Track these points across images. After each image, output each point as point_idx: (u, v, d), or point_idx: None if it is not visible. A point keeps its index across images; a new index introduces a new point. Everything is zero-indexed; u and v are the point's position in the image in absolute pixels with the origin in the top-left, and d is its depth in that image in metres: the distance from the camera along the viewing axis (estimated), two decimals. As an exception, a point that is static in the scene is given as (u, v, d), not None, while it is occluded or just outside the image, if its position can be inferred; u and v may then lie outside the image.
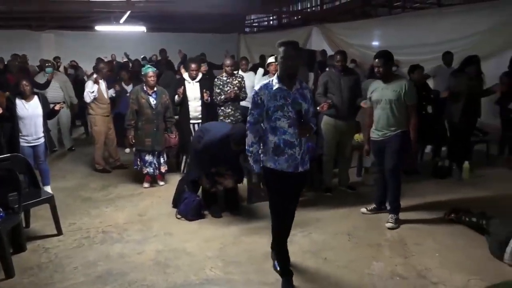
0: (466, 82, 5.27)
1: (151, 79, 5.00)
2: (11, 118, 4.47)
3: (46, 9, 11.16)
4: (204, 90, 5.38)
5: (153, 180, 5.33)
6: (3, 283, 3.10)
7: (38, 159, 4.73)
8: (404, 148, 3.96)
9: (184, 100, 5.39)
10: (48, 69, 6.57)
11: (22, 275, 3.20)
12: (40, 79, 6.56)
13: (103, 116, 5.87)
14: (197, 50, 10.30)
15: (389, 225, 4.00)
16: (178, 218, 4.27)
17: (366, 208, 4.36)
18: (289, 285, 2.96)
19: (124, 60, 10.74)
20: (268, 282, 3.08)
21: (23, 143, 4.58)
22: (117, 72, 7.77)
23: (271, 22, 15.85)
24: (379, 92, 3.99)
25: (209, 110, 5.46)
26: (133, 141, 5.11)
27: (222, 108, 5.37)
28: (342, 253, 3.52)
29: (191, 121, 5.45)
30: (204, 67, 6.04)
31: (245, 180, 4.63)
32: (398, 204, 4.08)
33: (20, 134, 4.55)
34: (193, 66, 5.40)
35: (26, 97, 4.55)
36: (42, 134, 4.69)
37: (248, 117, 2.91)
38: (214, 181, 4.28)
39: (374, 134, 4.09)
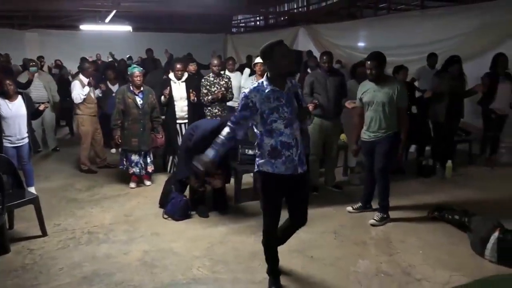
0: (449, 83, 5.38)
1: (137, 79, 4.97)
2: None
3: (29, 7, 10.98)
4: (191, 91, 5.38)
5: (140, 181, 5.30)
6: (-14, 285, 3.06)
7: (22, 160, 4.66)
8: (394, 149, 4.02)
9: (171, 100, 5.38)
10: (32, 69, 6.48)
11: (6, 276, 3.16)
12: (24, 78, 6.46)
13: (91, 116, 5.83)
14: (184, 50, 10.28)
15: (372, 221, 4.08)
16: (165, 218, 4.26)
17: (352, 207, 4.42)
18: (276, 284, 2.98)
19: (110, 59, 10.65)
20: (256, 280, 3.10)
21: (6, 143, 4.50)
22: (102, 71, 7.70)
23: (257, 23, 15.87)
24: (371, 94, 3.99)
25: (196, 110, 5.46)
26: (120, 141, 5.08)
27: (209, 108, 5.37)
28: (329, 251, 3.56)
29: (178, 121, 5.44)
30: (193, 67, 6.04)
31: (232, 180, 4.65)
32: (386, 203, 4.14)
33: (3, 135, 4.48)
34: (178, 66, 5.39)
35: (9, 96, 4.48)
36: (26, 135, 4.62)
37: (231, 116, 2.84)
38: (203, 181, 4.28)
39: (365, 135, 4.12)
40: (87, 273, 3.21)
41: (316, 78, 4.76)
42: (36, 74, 6.55)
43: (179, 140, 5.42)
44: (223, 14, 13.77)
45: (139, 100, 5.02)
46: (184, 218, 4.23)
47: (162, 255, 3.50)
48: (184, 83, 5.43)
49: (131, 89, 5.02)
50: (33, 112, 4.72)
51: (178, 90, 5.39)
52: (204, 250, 3.58)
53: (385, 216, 4.14)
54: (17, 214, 4.04)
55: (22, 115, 4.54)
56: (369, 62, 3.92)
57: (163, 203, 4.47)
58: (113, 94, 6.10)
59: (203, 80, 5.45)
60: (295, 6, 13.24)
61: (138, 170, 5.14)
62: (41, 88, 6.61)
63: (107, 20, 10.90)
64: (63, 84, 8.02)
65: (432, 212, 4.21)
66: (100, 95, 6.10)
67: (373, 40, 8.85)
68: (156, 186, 5.13)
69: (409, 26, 7.78)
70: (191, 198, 4.41)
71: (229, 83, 5.50)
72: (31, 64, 6.64)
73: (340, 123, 5.09)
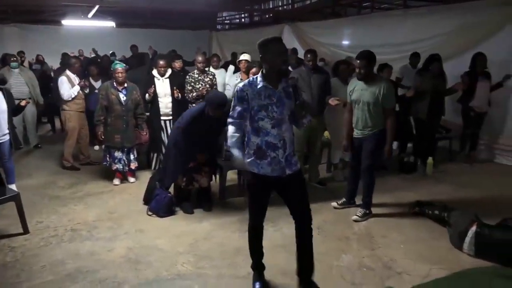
0: (431, 81, 5.50)
1: (119, 75, 4.93)
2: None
3: (9, 1, 10.74)
4: (174, 88, 5.36)
5: (124, 178, 5.27)
6: (-34, 284, 3.01)
7: (3, 157, 4.57)
8: (380, 146, 4.06)
9: (155, 97, 5.35)
10: (13, 64, 6.36)
11: (-14, 275, 3.11)
12: (5, 74, 6.33)
13: (78, 112, 5.79)
14: (168, 46, 10.21)
15: (354, 217, 4.15)
16: (149, 215, 4.25)
17: (337, 203, 4.48)
18: (260, 279, 3.01)
19: (92, 55, 10.51)
20: (240, 275, 3.13)
21: (-14, 140, 4.42)
22: (85, 67, 7.60)
23: (243, 20, 15.87)
24: (358, 93, 4.03)
25: (181, 106, 5.43)
26: (103, 137, 5.04)
27: (194, 105, 5.35)
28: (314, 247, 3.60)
29: (162, 118, 5.42)
30: (179, 64, 6.01)
31: (217, 177, 4.67)
32: (369, 199, 4.21)
33: (-17, 131, 4.40)
34: (161, 63, 5.36)
35: (-12, 92, 4.39)
36: (7, 131, 4.53)
37: (230, 113, 2.72)
38: (190, 179, 4.28)
39: (353, 132, 4.18)
40: (70, 270, 3.19)
41: (300, 76, 4.80)
42: (16, 70, 6.43)
43: (164, 136, 5.41)
44: (208, 11, 13.71)
45: (122, 97, 4.98)
46: (169, 215, 4.23)
47: (146, 251, 3.50)
48: (168, 80, 5.40)
49: (115, 85, 4.98)
50: (14, 108, 4.64)
51: (162, 86, 5.37)
52: (188, 246, 3.59)
53: (368, 212, 4.21)
54: (-3, 212, 3.99)
55: (3, 110, 4.45)
56: (358, 61, 3.91)
57: (147, 200, 4.45)
58: (96, 91, 6.05)
59: (187, 76, 5.44)
60: (280, 4, 13.29)
61: (121, 167, 5.11)
62: (23, 84, 6.49)
63: (90, 15, 10.73)
64: (45, 80, 7.89)
65: (413, 208, 4.30)
66: (87, 91, 6.05)
67: (357, 38, 8.95)
68: (140, 183, 5.11)
69: (392, 25, 7.88)
70: (176, 195, 4.41)
71: (214, 80, 5.51)
72: (12, 59, 6.52)
73: (324, 121, 5.15)
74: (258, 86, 2.64)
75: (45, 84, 7.72)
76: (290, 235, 3.73)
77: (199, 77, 5.36)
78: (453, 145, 6.44)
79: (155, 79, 5.36)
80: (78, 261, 3.33)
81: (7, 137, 4.54)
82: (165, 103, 5.40)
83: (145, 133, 5.24)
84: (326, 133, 5.45)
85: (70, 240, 3.72)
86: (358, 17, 9.21)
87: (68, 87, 5.64)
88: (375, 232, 3.92)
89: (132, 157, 5.21)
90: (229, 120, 2.72)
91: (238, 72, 5.68)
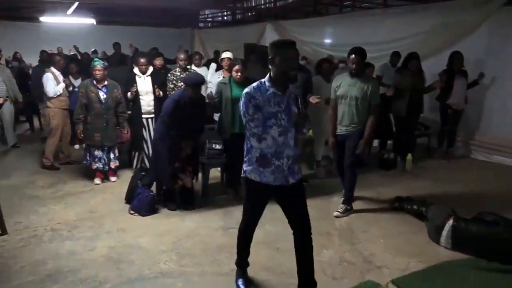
0: (410, 79, 5.61)
1: (97, 73, 4.87)
2: None
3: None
4: (155, 86, 5.33)
5: (105, 177, 5.21)
6: None
7: (-21, 156, 4.49)
8: (359, 144, 4.10)
9: (136, 95, 5.30)
10: (-11, 61, 6.21)
11: (-37, 276, 3.05)
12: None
13: (62, 109, 5.71)
14: (150, 44, 10.08)
15: (336, 213, 4.21)
16: (131, 214, 4.22)
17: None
18: (244, 275, 3.02)
19: (71, 53, 10.33)
20: (223, 272, 3.15)
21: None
22: (65, 65, 7.46)
23: (225, 18, 15.82)
24: (345, 88, 4.07)
25: (162, 104, 5.40)
26: (82, 136, 4.98)
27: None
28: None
29: (144, 116, 5.37)
30: (160, 61, 5.97)
31: (200, 175, 4.67)
32: (351, 194, 4.28)
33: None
34: (142, 60, 5.31)
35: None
36: (-17, 130, 4.45)
37: (249, 125, 2.50)
38: (175, 179, 4.27)
39: (337, 129, 4.22)
40: (50, 270, 3.15)
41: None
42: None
43: (146, 135, 5.37)
44: (191, 9, 13.63)
45: (102, 95, 4.92)
46: (151, 213, 4.21)
47: (128, 250, 3.48)
48: (149, 77, 5.36)
49: (94, 83, 4.92)
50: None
51: (144, 84, 5.32)
52: (171, 245, 3.58)
53: (349, 208, 4.28)
54: (-26, 213, 3.89)
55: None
56: (353, 56, 3.95)
57: (129, 198, 4.42)
58: (75, 89, 5.97)
59: (169, 74, 5.41)
60: (262, 2, 13.29)
61: (101, 166, 5.06)
62: (0, 82, 6.35)
63: (69, 12, 10.53)
64: (23, 78, 7.73)
65: (392, 203, 4.40)
66: (70, 89, 5.96)
67: (338, 37, 9.05)
68: (121, 182, 5.06)
69: (372, 24, 7.99)
70: (158, 193, 4.39)
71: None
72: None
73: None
74: (268, 93, 2.51)
75: (22, 82, 7.56)
76: (273, 232, 3.80)
77: (181, 75, 5.33)
78: (431, 141, 6.59)
79: (137, 77, 5.32)
80: (59, 261, 3.29)
81: (-17, 136, 4.45)
82: (147, 101, 5.36)
83: (126, 132, 5.19)
84: (310, 131, 5.50)
85: (50, 240, 3.67)
86: (340, 16, 9.30)
87: (54, 84, 5.56)
88: (355, 227, 3.99)
89: (113, 156, 5.15)
90: (250, 131, 2.52)
91: (221, 70, 5.68)
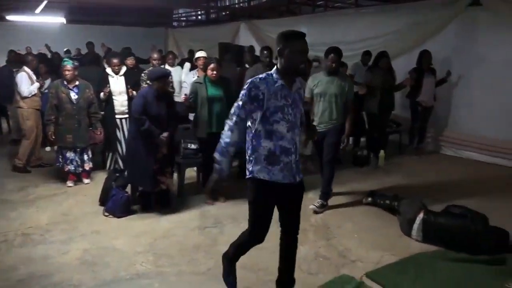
0: (381, 77, 5.75)
1: (66, 73, 4.77)
2: None
3: None
4: (128, 87, 5.27)
5: (78, 179, 5.11)
6: None
7: None
8: (341, 140, 4.26)
9: (109, 95, 5.22)
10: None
11: None
12: None
13: (35, 109, 5.58)
14: (123, 43, 9.92)
15: (312, 207, 4.28)
16: (106, 216, 4.16)
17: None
18: (233, 272, 2.84)
19: (39, 52, 10.05)
20: (200, 272, 3.16)
21: None
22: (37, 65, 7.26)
23: (199, 17, 15.73)
24: (324, 86, 4.18)
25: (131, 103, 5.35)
26: (53, 137, 4.87)
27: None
28: (272, 240, 3.62)
29: (118, 116, 5.29)
30: (131, 61, 5.89)
31: (175, 175, 4.64)
32: (329, 190, 4.37)
33: None
34: (114, 61, 5.24)
35: None
36: None
37: (234, 110, 2.44)
38: (156, 182, 4.21)
39: (316, 127, 4.28)
40: (22, 276, 3.07)
41: (257, 73, 4.83)
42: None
43: (120, 135, 5.29)
44: (164, 8, 13.48)
45: (73, 95, 4.83)
46: (126, 215, 4.16)
47: (103, 252, 3.43)
48: (122, 77, 5.29)
49: (65, 83, 4.82)
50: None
51: (117, 84, 5.25)
52: (147, 245, 3.56)
53: (325, 203, 4.36)
54: None
55: None
56: (332, 55, 4.13)
57: (103, 200, 4.36)
58: (45, 90, 5.83)
59: (142, 74, 5.35)
60: (236, 1, 13.29)
61: (73, 168, 4.96)
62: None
63: (38, 10, 10.23)
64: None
65: (366, 198, 4.50)
66: (43, 89, 5.83)
67: (312, 36, 8.96)
68: (95, 184, 4.98)
69: (344, 23, 8.13)
70: (133, 194, 4.35)
71: (170, 77, 5.44)
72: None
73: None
74: (276, 85, 2.39)
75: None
76: (248, 229, 3.81)
77: (155, 75, 5.28)
78: (402, 138, 6.77)
79: (109, 77, 5.24)
80: (31, 265, 3.21)
81: None
82: (120, 101, 5.29)
83: (99, 133, 5.11)
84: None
85: (21, 244, 3.57)
86: (312, 16, 9.41)
87: (29, 83, 5.45)
88: (330, 223, 4.07)
89: (86, 157, 5.06)
90: (232, 120, 2.45)
91: (195, 70, 5.66)
